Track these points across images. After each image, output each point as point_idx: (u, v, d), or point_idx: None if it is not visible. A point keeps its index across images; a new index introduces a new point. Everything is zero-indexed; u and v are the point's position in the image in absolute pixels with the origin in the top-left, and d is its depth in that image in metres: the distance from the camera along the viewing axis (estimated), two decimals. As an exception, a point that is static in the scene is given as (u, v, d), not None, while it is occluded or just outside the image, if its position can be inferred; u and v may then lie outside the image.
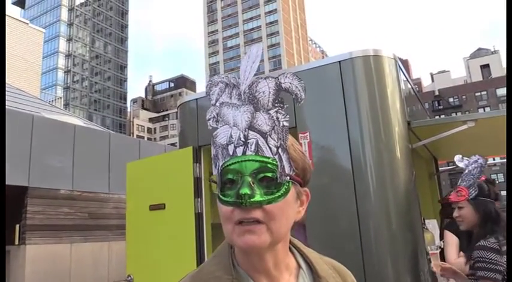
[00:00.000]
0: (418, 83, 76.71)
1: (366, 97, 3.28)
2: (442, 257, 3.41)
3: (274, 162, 0.81)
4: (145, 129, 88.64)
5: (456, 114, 47.95)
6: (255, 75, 0.87)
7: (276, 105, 0.84)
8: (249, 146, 0.82)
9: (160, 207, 3.96)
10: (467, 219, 2.40)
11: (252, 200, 0.78)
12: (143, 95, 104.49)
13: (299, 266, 0.94)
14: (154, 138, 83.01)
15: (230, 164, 0.82)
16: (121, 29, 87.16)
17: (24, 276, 5.20)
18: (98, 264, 6.02)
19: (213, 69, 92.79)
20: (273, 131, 0.83)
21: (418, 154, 4.43)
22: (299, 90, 0.85)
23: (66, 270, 5.67)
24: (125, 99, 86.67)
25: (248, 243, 0.80)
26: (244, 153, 0.81)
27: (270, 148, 0.82)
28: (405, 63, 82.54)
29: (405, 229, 3.09)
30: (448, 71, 73.91)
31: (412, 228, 3.14)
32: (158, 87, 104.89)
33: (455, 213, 2.48)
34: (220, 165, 0.84)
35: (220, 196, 0.83)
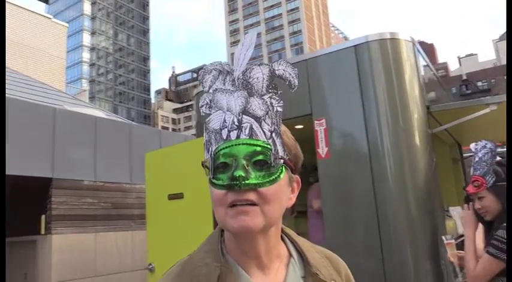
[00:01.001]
0: (444, 67, 74.65)
1: (383, 82, 3.20)
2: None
3: (268, 146, 0.82)
4: (170, 120, 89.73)
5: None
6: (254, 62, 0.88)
7: (270, 91, 0.85)
8: (243, 130, 0.82)
9: (178, 196, 4.00)
10: (491, 209, 2.29)
11: (246, 182, 0.78)
12: (167, 86, 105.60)
13: (290, 255, 0.93)
14: (179, 129, 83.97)
15: (224, 148, 0.82)
16: (143, 21, 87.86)
17: (51, 265, 5.36)
18: (121, 253, 6.14)
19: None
20: (267, 116, 0.84)
21: (440, 139, 4.32)
22: (292, 77, 0.86)
23: (92, 259, 5.82)
24: (149, 90, 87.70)
25: (242, 225, 0.79)
26: (238, 137, 0.82)
27: (264, 132, 0.83)
28: (430, 47, 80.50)
29: (425, 216, 3.03)
30: (476, 54, 71.70)
31: (432, 215, 3.08)
32: (181, 78, 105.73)
33: (477, 205, 2.35)
34: (213, 149, 0.84)
35: (213, 180, 0.83)
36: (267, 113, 0.83)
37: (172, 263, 0.92)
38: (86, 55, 76.26)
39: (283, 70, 0.86)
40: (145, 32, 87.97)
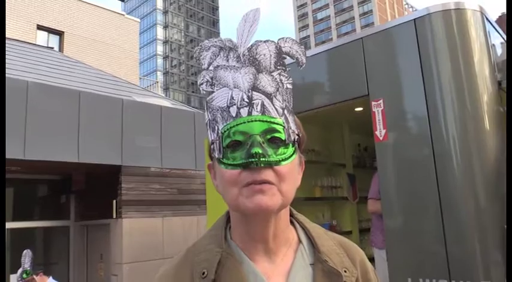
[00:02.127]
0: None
1: (447, 58, 2.95)
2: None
3: (282, 123, 0.80)
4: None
5: None
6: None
7: (279, 67, 0.82)
8: (254, 106, 0.79)
9: (235, 182, 4.03)
10: None
11: (264, 159, 0.76)
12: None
13: (300, 241, 0.89)
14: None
15: (235, 125, 0.79)
16: (212, 11, 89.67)
17: (122, 246, 5.73)
18: (187, 236, 6.37)
19: (304, 44, 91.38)
20: (277, 93, 0.81)
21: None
22: (299, 55, 0.84)
23: (160, 242, 6.12)
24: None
25: (260, 204, 0.76)
26: (249, 113, 0.79)
27: (276, 109, 0.80)
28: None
29: (494, 202, 2.77)
30: None
31: (503, 202, 2.80)
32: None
33: None
34: (221, 128, 0.81)
35: (224, 160, 0.80)
36: (277, 90, 0.81)
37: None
38: (159, 48, 79.61)
39: (290, 47, 0.83)
40: (215, 23, 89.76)
